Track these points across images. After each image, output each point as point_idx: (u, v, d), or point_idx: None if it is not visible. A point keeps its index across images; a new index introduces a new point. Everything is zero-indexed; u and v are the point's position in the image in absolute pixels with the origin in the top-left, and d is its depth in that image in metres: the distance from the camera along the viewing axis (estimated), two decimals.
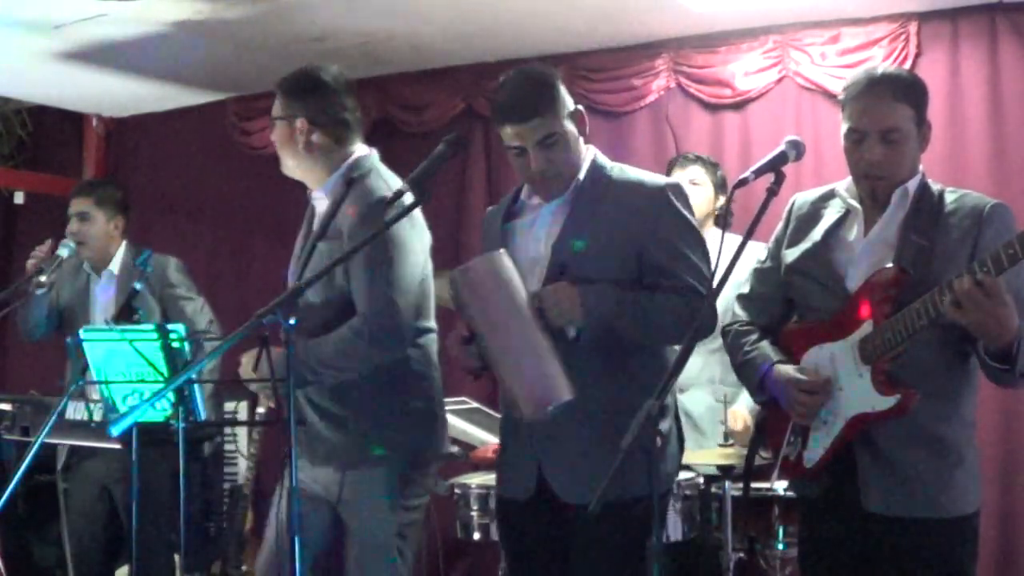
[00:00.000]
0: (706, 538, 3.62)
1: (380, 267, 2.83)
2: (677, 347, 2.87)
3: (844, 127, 2.63)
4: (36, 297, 4.29)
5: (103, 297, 4.35)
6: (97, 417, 3.88)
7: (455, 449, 4.22)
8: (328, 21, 4.75)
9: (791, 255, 2.74)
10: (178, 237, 5.91)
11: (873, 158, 2.56)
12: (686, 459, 3.53)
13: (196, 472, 4.62)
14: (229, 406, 4.83)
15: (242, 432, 4.96)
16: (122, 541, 4.35)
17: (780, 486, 3.38)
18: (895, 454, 2.52)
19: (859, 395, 2.53)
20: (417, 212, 2.90)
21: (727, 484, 3.47)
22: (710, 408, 4.01)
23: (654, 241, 2.63)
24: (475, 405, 4.56)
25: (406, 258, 2.89)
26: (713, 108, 4.98)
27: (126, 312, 3.69)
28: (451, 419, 4.34)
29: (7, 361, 6.60)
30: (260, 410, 3.89)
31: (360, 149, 3.10)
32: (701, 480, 3.57)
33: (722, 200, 4.17)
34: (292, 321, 2.48)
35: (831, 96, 4.52)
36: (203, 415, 3.16)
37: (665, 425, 2.69)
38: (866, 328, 2.53)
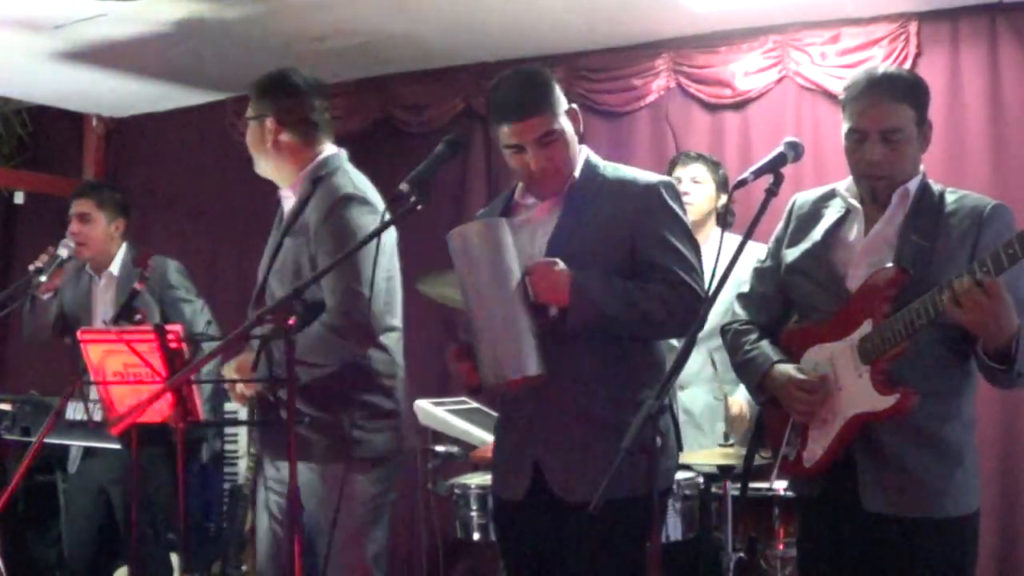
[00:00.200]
0: (706, 538, 3.62)
1: (350, 266, 2.88)
2: (672, 342, 2.88)
3: (845, 127, 2.63)
4: (44, 303, 4.29)
5: (104, 298, 4.36)
6: (97, 417, 3.88)
7: (455, 449, 4.23)
8: (328, 21, 4.75)
9: (791, 255, 2.74)
10: (178, 237, 5.91)
11: (874, 158, 2.56)
12: (686, 459, 3.53)
13: (195, 472, 4.63)
14: (229, 406, 4.82)
15: (242, 432, 4.96)
16: (119, 541, 4.35)
17: (780, 486, 3.38)
18: (895, 454, 2.52)
19: (858, 395, 2.53)
20: (377, 210, 3.03)
21: (727, 484, 3.47)
22: (709, 406, 4.01)
23: (646, 236, 2.65)
24: (475, 405, 4.56)
25: (370, 255, 2.92)
26: (713, 108, 4.98)
27: (126, 313, 3.70)
28: (451, 419, 4.37)
29: (7, 361, 6.60)
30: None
31: (329, 149, 3.18)
32: (701, 480, 3.57)
33: (724, 199, 4.17)
34: (291, 322, 2.50)
35: (831, 96, 4.52)
36: (202, 416, 3.17)
37: (662, 421, 2.69)
38: (866, 328, 2.53)
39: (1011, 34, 4.44)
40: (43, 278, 4.13)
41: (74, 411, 4.04)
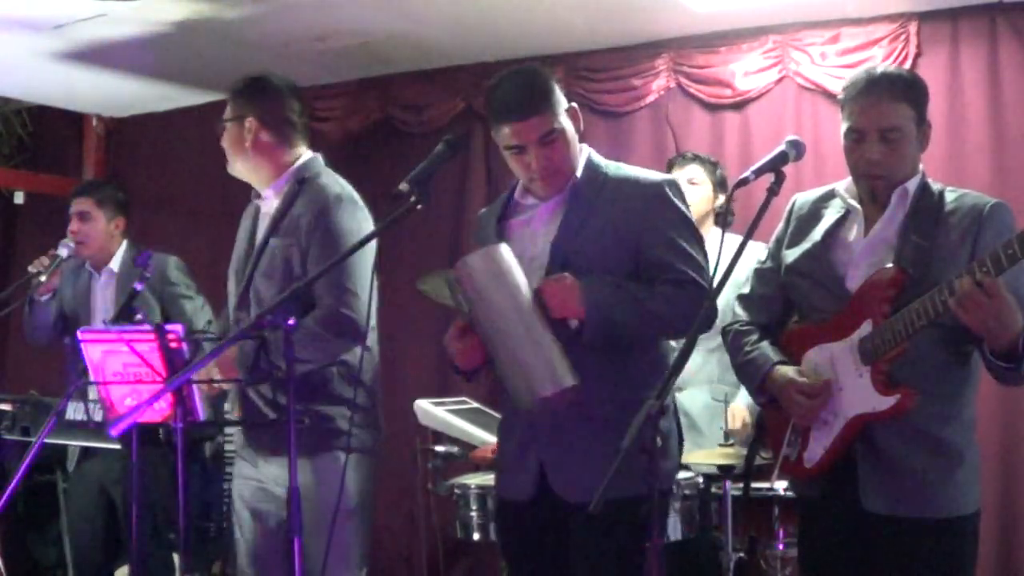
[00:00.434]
0: (706, 538, 3.62)
1: (346, 264, 2.89)
2: (678, 343, 2.87)
3: (844, 127, 2.62)
4: (41, 304, 4.30)
5: (103, 296, 4.36)
6: (97, 417, 3.88)
7: (455, 449, 4.23)
8: (328, 21, 4.75)
9: (791, 255, 2.74)
10: (178, 237, 5.91)
11: (873, 158, 2.56)
12: (686, 459, 3.53)
13: (196, 472, 4.63)
14: (229, 406, 4.82)
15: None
16: (120, 541, 4.35)
17: (780, 486, 3.38)
18: (895, 454, 2.52)
19: (859, 395, 2.53)
20: (366, 212, 3.08)
21: (727, 484, 3.47)
22: (708, 407, 4.01)
23: (651, 236, 2.63)
24: (475, 405, 4.56)
25: (363, 257, 2.97)
26: (713, 108, 4.98)
27: (126, 313, 3.70)
28: (451, 419, 4.37)
29: (7, 361, 6.60)
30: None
31: (306, 152, 3.22)
32: (701, 480, 3.57)
33: (721, 199, 4.17)
34: (291, 321, 2.51)
35: (831, 96, 4.52)
36: (202, 415, 3.16)
37: (664, 423, 2.69)
38: (866, 328, 2.53)
39: (1011, 34, 4.44)
40: (43, 278, 4.13)
41: (74, 411, 4.04)
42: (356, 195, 3.13)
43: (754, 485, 3.25)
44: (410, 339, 5.28)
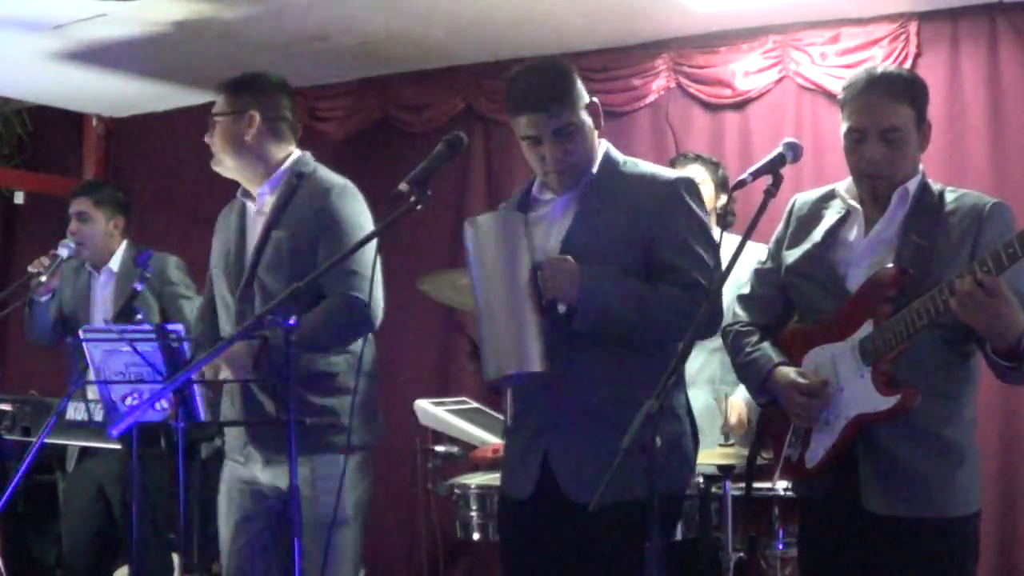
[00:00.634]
0: (706, 538, 3.61)
1: (347, 249, 2.89)
2: (700, 350, 2.86)
3: (844, 127, 2.62)
4: (41, 305, 4.30)
5: (102, 295, 4.36)
6: (97, 417, 3.88)
7: (455, 449, 4.23)
8: (328, 21, 4.75)
9: (791, 256, 2.74)
10: (178, 237, 5.91)
11: (873, 158, 2.56)
12: None
13: (195, 472, 4.62)
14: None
15: None
16: (118, 541, 4.35)
17: (781, 486, 3.38)
18: (896, 454, 2.52)
19: (860, 395, 2.53)
20: (365, 203, 3.12)
21: (727, 484, 3.47)
22: (709, 407, 4.01)
23: (662, 235, 2.60)
24: (475, 405, 4.56)
25: (370, 250, 2.97)
26: (713, 108, 4.98)
27: (126, 313, 3.70)
28: (451, 419, 4.37)
29: (7, 361, 6.61)
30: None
31: (296, 151, 3.24)
32: (701, 480, 3.56)
33: (723, 199, 4.16)
34: (292, 321, 2.51)
35: (831, 96, 4.52)
36: (202, 416, 3.16)
37: (673, 425, 2.67)
38: (866, 328, 2.53)
39: (1011, 34, 4.44)
40: (43, 278, 4.13)
41: (75, 411, 4.04)
42: (354, 186, 3.17)
43: (754, 485, 3.25)
44: (410, 339, 5.28)
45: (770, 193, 2.40)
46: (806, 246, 2.71)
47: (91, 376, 3.21)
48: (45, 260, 4.15)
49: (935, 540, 2.51)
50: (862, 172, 2.61)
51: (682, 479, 2.76)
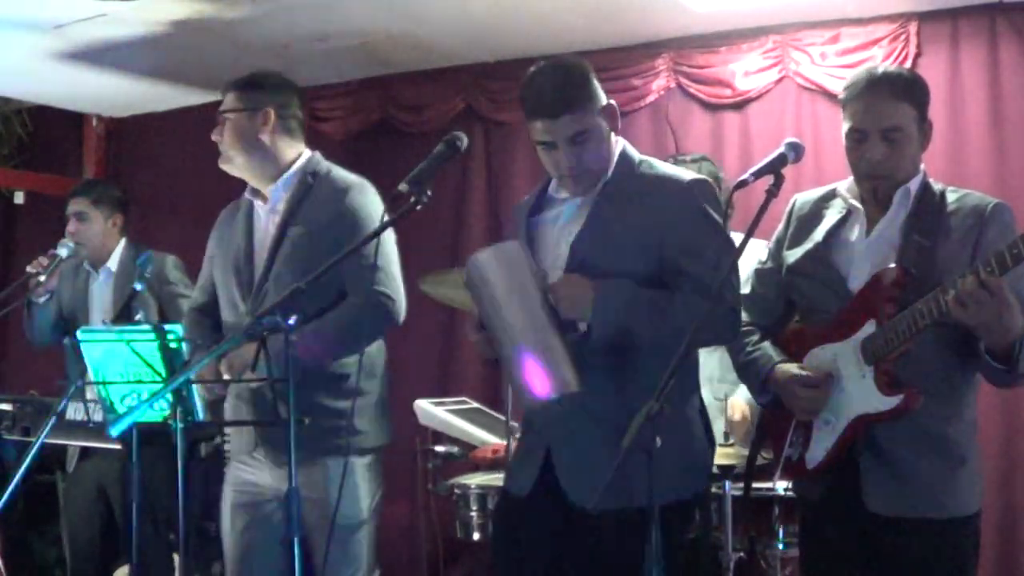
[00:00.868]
0: (706, 538, 3.61)
1: (376, 246, 2.88)
2: (701, 350, 2.85)
3: (845, 126, 2.62)
4: (39, 306, 4.30)
5: (101, 295, 4.35)
6: (96, 417, 3.87)
7: (455, 449, 4.23)
8: (328, 21, 4.75)
9: (792, 256, 2.74)
10: (178, 237, 5.89)
11: (875, 157, 2.56)
12: None
13: (196, 472, 4.62)
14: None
15: None
16: (118, 541, 4.35)
17: (781, 486, 3.38)
18: (897, 454, 2.52)
19: (862, 395, 2.53)
20: (379, 198, 3.09)
21: (727, 484, 3.47)
22: (709, 407, 4.01)
23: (675, 240, 2.56)
24: (475, 405, 4.56)
25: (391, 241, 3.03)
26: (713, 108, 4.98)
27: (126, 313, 3.69)
28: (451, 419, 4.37)
29: (7, 361, 6.60)
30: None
31: (307, 151, 3.22)
32: None
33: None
34: (292, 321, 2.49)
35: (831, 96, 4.52)
36: (201, 416, 3.16)
37: (687, 430, 2.66)
38: (869, 328, 2.53)
39: (1011, 34, 4.44)
40: (42, 278, 4.13)
41: (74, 411, 4.04)
42: (370, 184, 3.15)
43: (754, 485, 3.25)
44: (410, 339, 5.27)
45: (771, 193, 2.39)
46: (807, 246, 2.71)
47: (90, 376, 3.21)
48: (44, 260, 4.15)
49: (935, 540, 2.52)
50: (863, 172, 2.61)
51: (692, 486, 2.70)
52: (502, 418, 4.18)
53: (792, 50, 4.77)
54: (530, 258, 2.59)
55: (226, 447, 4.99)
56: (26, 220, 6.62)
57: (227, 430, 4.82)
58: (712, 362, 4.00)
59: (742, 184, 2.41)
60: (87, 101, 6.15)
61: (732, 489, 3.44)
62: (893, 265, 2.52)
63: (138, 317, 3.68)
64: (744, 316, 2.83)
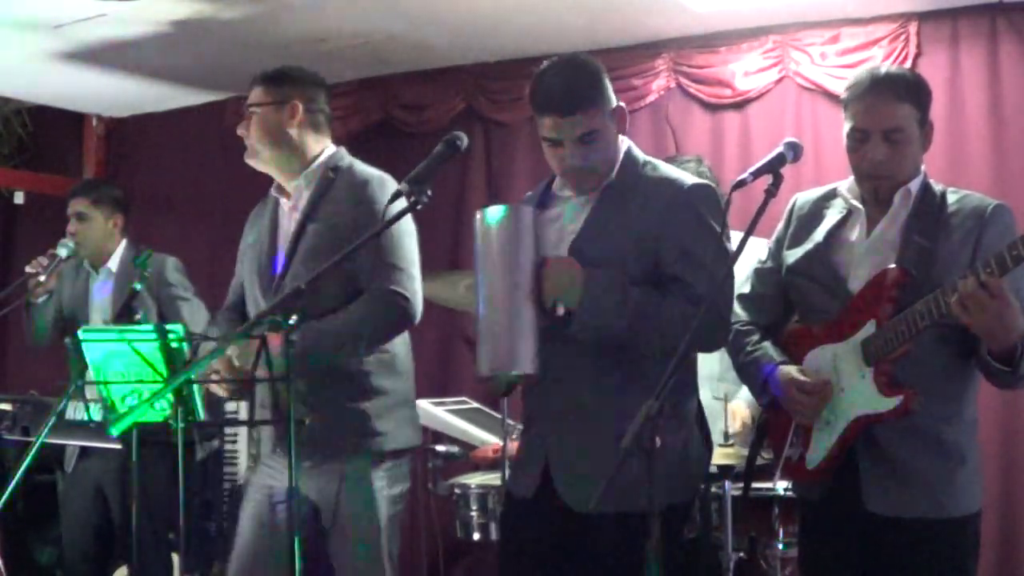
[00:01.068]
0: (706, 538, 3.61)
1: (388, 244, 2.88)
2: (698, 354, 2.84)
3: (847, 127, 2.62)
4: (39, 306, 4.30)
5: (101, 295, 4.35)
6: (96, 417, 3.87)
7: (455, 449, 4.23)
8: (328, 21, 4.75)
9: (792, 256, 2.74)
10: (178, 237, 5.91)
11: (876, 158, 2.56)
12: None
13: (195, 472, 4.62)
14: (230, 406, 4.82)
15: (242, 432, 4.96)
16: (116, 541, 4.35)
17: (781, 486, 3.38)
18: (897, 455, 2.52)
19: (861, 396, 2.53)
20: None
21: (727, 484, 3.47)
22: (709, 406, 4.01)
23: (671, 245, 2.55)
24: (475, 405, 4.56)
25: (410, 239, 2.97)
26: (713, 108, 4.98)
27: (126, 313, 3.69)
28: (451, 419, 4.37)
29: (7, 361, 6.60)
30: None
31: (331, 146, 3.17)
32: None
33: None
34: (292, 321, 2.49)
35: (831, 96, 4.52)
36: (201, 416, 3.15)
37: (683, 431, 2.65)
38: (869, 329, 2.53)
39: (1011, 34, 4.44)
40: (42, 278, 4.13)
41: (74, 411, 4.04)
42: (392, 179, 3.07)
43: (754, 485, 3.25)
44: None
45: (771, 193, 2.39)
46: (807, 246, 2.71)
47: (90, 376, 3.21)
48: (44, 260, 4.15)
49: (936, 540, 2.51)
50: (864, 172, 2.61)
51: (688, 489, 2.70)
52: (502, 418, 4.18)
53: (792, 50, 4.77)
54: (535, 230, 2.56)
55: (226, 447, 5.00)
56: (26, 220, 6.61)
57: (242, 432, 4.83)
58: (712, 361, 4.00)
59: (741, 184, 2.41)
60: (87, 101, 6.15)
61: (732, 489, 3.44)
62: (893, 266, 2.52)
63: (138, 317, 3.67)
64: (744, 315, 2.84)
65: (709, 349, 2.64)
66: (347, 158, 3.13)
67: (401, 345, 3.07)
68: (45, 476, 4.68)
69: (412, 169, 2.60)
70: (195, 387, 3.01)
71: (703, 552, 3.66)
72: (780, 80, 4.83)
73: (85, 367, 3.20)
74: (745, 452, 3.08)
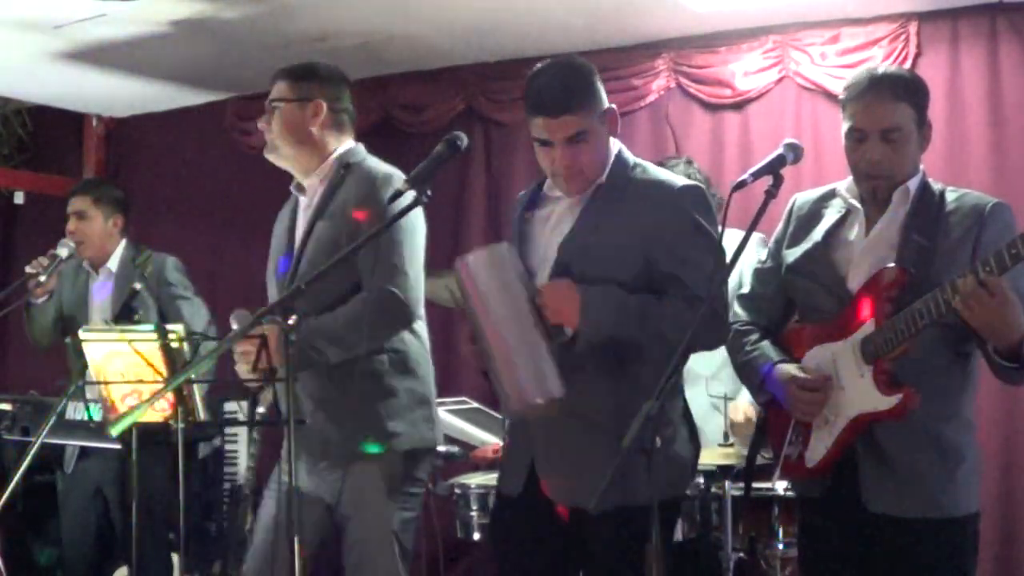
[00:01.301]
0: (706, 538, 3.61)
1: (389, 243, 2.85)
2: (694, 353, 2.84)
3: (845, 126, 2.63)
4: (39, 306, 4.30)
5: (100, 295, 4.35)
6: (96, 417, 3.88)
7: (455, 449, 4.23)
8: (328, 21, 4.75)
9: (792, 255, 2.74)
10: (178, 237, 5.90)
11: (874, 157, 2.57)
12: None
13: (195, 472, 4.63)
14: (229, 406, 4.82)
15: (242, 432, 4.96)
16: (116, 541, 4.35)
17: (780, 486, 3.38)
18: (896, 454, 2.52)
19: (861, 395, 2.53)
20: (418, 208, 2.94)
21: (727, 484, 3.47)
22: (708, 405, 4.01)
23: (664, 247, 2.56)
24: (475, 405, 4.55)
25: (414, 238, 2.94)
26: (713, 108, 4.98)
27: (126, 313, 3.69)
28: (451, 419, 4.36)
29: (7, 361, 6.60)
30: (260, 409, 3.88)
31: (350, 142, 3.14)
32: (701, 480, 3.56)
33: None
34: (291, 320, 2.49)
35: (831, 96, 4.52)
36: (201, 416, 3.16)
37: (669, 429, 2.65)
38: (868, 328, 2.53)
39: (1011, 34, 4.44)
40: (42, 278, 4.13)
41: (74, 411, 4.04)
42: (403, 176, 3.01)
43: (754, 485, 3.25)
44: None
45: (771, 193, 2.40)
46: (806, 245, 2.71)
47: (91, 376, 3.21)
48: (44, 260, 4.14)
49: (935, 540, 2.52)
50: (863, 172, 2.61)
51: (674, 485, 2.69)
52: (502, 418, 4.18)
53: (792, 50, 4.77)
54: (519, 261, 2.59)
55: (227, 447, 5.01)
56: (26, 220, 6.61)
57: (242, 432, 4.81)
58: (709, 360, 4.00)
59: (741, 185, 2.42)
60: (87, 101, 6.15)
61: (732, 489, 3.44)
62: (892, 265, 2.53)
63: (137, 317, 3.68)
64: (743, 315, 2.84)
65: (709, 347, 2.64)
66: (361, 155, 3.10)
67: (416, 344, 3.02)
68: (45, 476, 4.68)
69: (412, 169, 2.60)
70: (195, 387, 3.02)
71: (703, 552, 3.67)
72: (780, 80, 4.83)
73: (85, 367, 3.21)
74: (745, 452, 3.08)
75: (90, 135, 6.42)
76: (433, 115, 5.49)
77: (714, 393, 3.98)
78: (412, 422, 2.98)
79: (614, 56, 5.13)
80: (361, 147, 3.13)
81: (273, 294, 3.10)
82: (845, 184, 2.72)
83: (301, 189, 3.13)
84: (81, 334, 3.20)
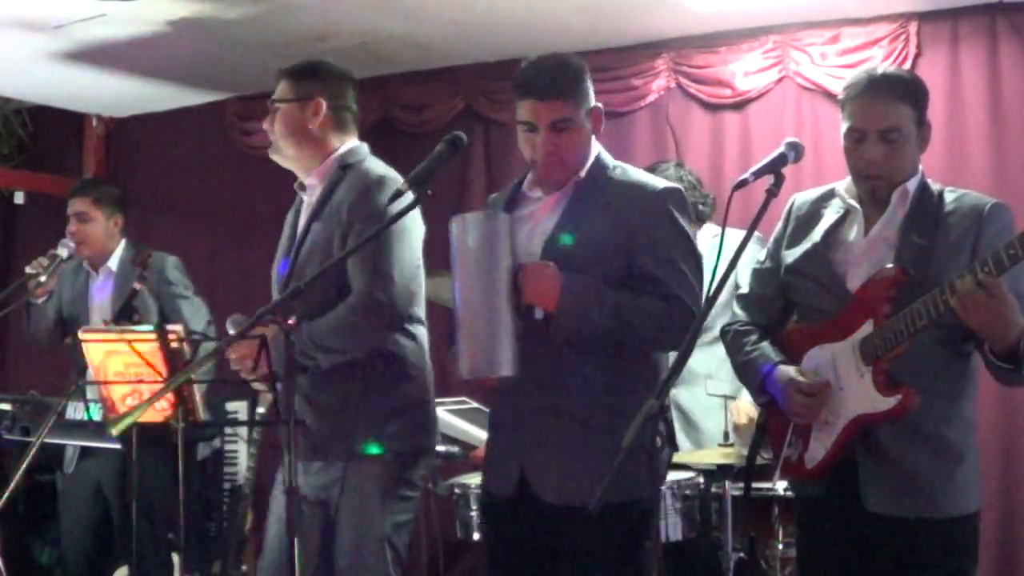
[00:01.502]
0: (706, 538, 3.62)
1: (375, 247, 2.83)
2: (671, 353, 2.86)
3: (844, 127, 2.63)
4: (39, 307, 4.30)
5: (100, 295, 4.36)
6: (96, 417, 3.88)
7: (455, 449, 4.23)
8: (328, 21, 4.75)
9: (791, 255, 2.74)
10: (178, 237, 5.90)
11: (873, 158, 2.56)
12: (686, 458, 3.53)
13: (195, 472, 4.62)
14: (230, 406, 4.83)
15: (242, 432, 4.96)
16: (116, 541, 4.35)
17: (780, 486, 3.38)
18: (896, 454, 2.52)
19: (860, 395, 2.53)
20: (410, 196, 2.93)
21: (727, 484, 3.47)
22: (706, 404, 4.01)
23: (645, 247, 2.61)
24: (475, 405, 4.55)
25: (405, 240, 2.92)
26: (713, 108, 4.98)
27: (126, 313, 3.70)
28: (451, 419, 4.36)
29: (7, 361, 6.60)
30: (260, 409, 3.89)
31: (353, 141, 3.14)
32: (701, 480, 3.57)
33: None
34: (291, 321, 2.50)
35: (831, 96, 4.52)
36: (202, 416, 3.16)
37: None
38: (867, 328, 2.53)
39: (1011, 34, 4.44)
40: (43, 278, 4.13)
41: (74, 411, 4.04)
42: (400, 179, 2.98)
43: (754, 485, 3.25)
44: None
45: (772, 192, 2.40)
46: (805, 246, 2.71)
47: (91, 376, 3.22)
48: (44, 261, 4.15)
49: (934, 540, 2.52)
50: (862, 172, 2.61)
51: (650, 485, 2.60)
52: None
53: (792, 50, 4.77)
54: (511, 237, 2.60)
55: (227, 447, 5.01)
56: (26, 220, 6.61)
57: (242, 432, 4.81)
58: (707, 359, 4.00)
59: (742, 184, 2.43)
60: (87, 101, 6.15)
61: (732, 489, 3.44)
62: (891, 265, 2.52)
63: (137, 318, 3.68)
64: (743, 315, 2.85)
65: (675, 348, 2.65)
66: (361, 155, 3.08)
67: (412, 346, 2.99)
68: (45, 476, 4.69)
69: (412, 169, 2.60)
70: (195, 387, 3.02)
71: (703, 552, 3.67)
72: (780, 80, 4.83)
73: (85, 367, 3.21)
74: (745, 452, 3.08)
75: (90, 135, 6.42)
76: (433, 115, 5.49)
77: (713, 391, 3.99)
78: (405, 425, 2.95)
79: (614, 56, 5.13)
80: (364, 147, 3.13)
81: (276, 295, 3.10)
82: (844, 184, 2.73)
83: (304, 189, 3.12)
84: (81, 334, 3.20)
